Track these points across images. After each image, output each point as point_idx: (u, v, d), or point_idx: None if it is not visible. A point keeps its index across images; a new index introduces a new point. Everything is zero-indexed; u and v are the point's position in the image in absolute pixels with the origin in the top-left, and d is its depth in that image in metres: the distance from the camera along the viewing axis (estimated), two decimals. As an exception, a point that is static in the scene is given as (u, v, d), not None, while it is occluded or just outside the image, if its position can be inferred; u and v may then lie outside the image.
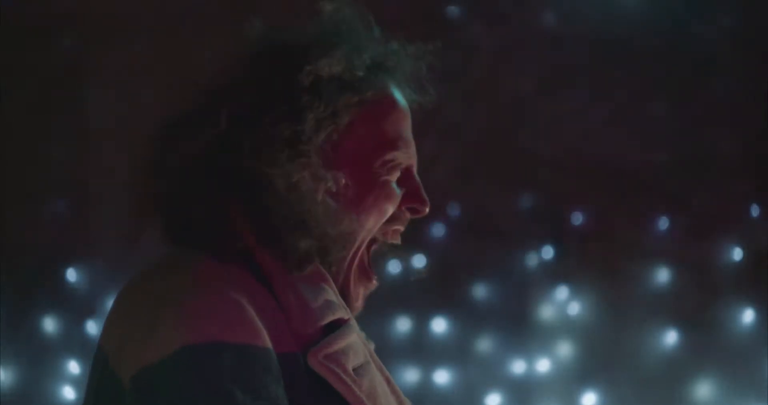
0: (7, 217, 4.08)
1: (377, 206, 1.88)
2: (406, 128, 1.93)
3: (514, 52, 4.23)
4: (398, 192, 1.90)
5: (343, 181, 1.85)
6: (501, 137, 4.22)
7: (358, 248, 1.90)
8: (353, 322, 1.86)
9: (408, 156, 1.92)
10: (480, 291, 4.20)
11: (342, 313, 1.84)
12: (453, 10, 4.22)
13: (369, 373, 1.81)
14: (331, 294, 1.85)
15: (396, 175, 1.91)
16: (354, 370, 1.79)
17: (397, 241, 1.97)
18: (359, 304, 1.94)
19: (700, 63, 4.25)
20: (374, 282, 1.94)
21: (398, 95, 1.94)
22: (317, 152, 1.84)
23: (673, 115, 4.26)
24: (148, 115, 1.94)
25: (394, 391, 1.86)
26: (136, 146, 1.91)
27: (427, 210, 1.93)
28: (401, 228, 1.95)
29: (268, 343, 1.72)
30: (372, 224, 1.89)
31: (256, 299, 1.76)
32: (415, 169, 1.95)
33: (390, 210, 1.90)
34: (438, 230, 4.18)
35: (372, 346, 1.99)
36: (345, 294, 1.91)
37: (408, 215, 1.94)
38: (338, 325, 1.82)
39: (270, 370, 1.71)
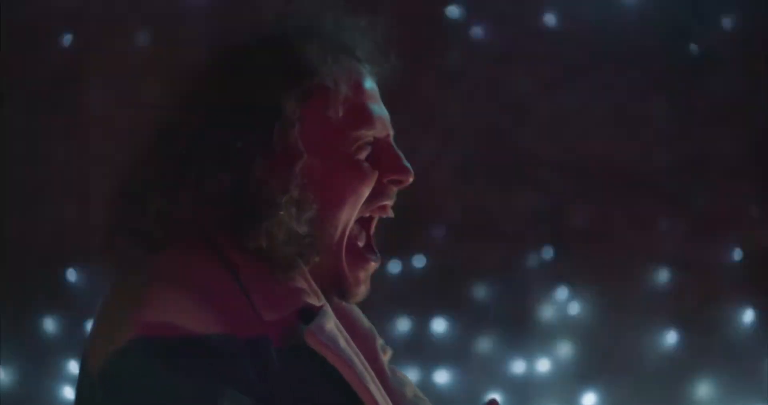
0: (7, 217, 4.08)
1: (350, 189, 1.86)
2: (370, 101, 1.90)
3: (514, 52, 4.23)
4: (371, 170, 1.88)
5: (312, 169, 1.84)
6: (501, 137, 4.22)
7: (342, 233, 1.87)
8: (328, 309, 1.84)
9: (377, 129, 1.90)
10: (480, 291, 4.20)
11: (312, 300, 1.82)
12: (453, 10, 4.22)
13: (352, 357, 1.81)
14: (301, 281, 1.83)
15: (365, 152, 1.89)
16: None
17: (389, 215, 1.93)
18: (362, 288, 1.91)
19: (700, 63, 4.25)
20: (373, 263, 1.91)
21: (355, 71, 1.91)
22: (281, 146, 1.83)
23: (673, 115, 4.26)
24: (148, 115, 1.95)
25: (374, 383, 1.86)
26: (135, 146, 1.92)
27: (411, 178, 1.91)
28: (389, 202, 1.91)
29: (231, 330, 1.72)
30: (349, 208, 1.87)
31: (221, 289, 1.76)
32: (391, 139, 1.92)
33: (366, 189, 1.87)
34: (438, 230, 4.18)
35: (389, 353, 1.99)
36: (342, 281, 1.89)
37: (393, 188, 1.91)
38: (312, 311, 1.81)
39: (231, 354, 1.71)
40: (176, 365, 1.69)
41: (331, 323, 1.81)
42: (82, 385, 1.80)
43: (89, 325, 4.10)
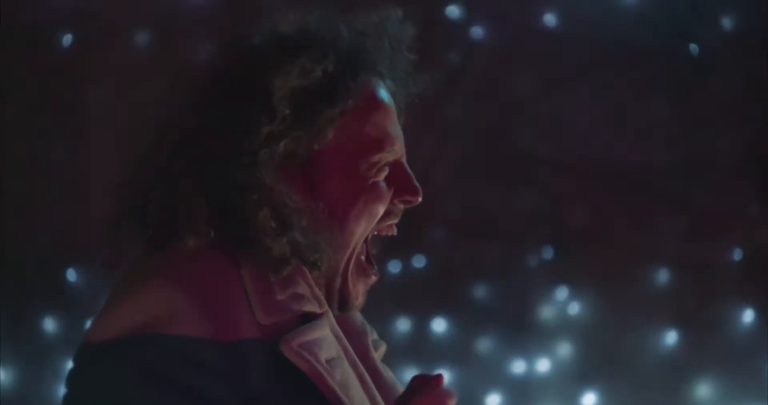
0: (7, 217, 4.08)
1: (367, 210, 1.89)
2: (390, 124, 1.92)
3: (514, 52, 4.23)
4: (387, 191, 1.90)
5: (332, 188, 1.86)
6: (501, 137, 4.22)
7: (353, 251, 1.90)
8: (329, 317, 1.86)
9: (394, 152, 1.91)
10: (480, 291, 4.20)
11: (312, 306, 1.84)
12: (453, 10, 4.22)
13: (341, 366, 1.82)
14: (304, 287, 1.85)
15: (384, 174, 1.91)
16: (327, 361, 1.80)
17: (393, 232, 1.96)
18: (360, 301, 1.94)
19: (700, 63, 4.25)
20: (373, 277, 1.95)
21: (378, 90, 1.92)
22: (301, 165, 1.85)
23: (673, 115, 4.26)
24: (148, 115, 1.95)
25: (368, 392, 1.86)
26: (135, 146, 1.92)
27: (420, 199, 1.93)
28: (396, 221, 1.95)
29: (214, 333, 1.73)
30: (364, 228, 1.90)
31: (222, 287, 1.77)
32: (404, 160, 1.94)
33: (381, 210, 1.90)
34: (438, 230, 4.18)
35: (383, 348, 2.00)
36: (345, 294, 1.92)
37: (401, 207, 1.93)
38: (312, 318, 1.83)
39: (201, 362, 1.72)
40: (131, 365, 1.71)
41: (321, 332, 1.82)
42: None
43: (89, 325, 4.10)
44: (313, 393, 1.77)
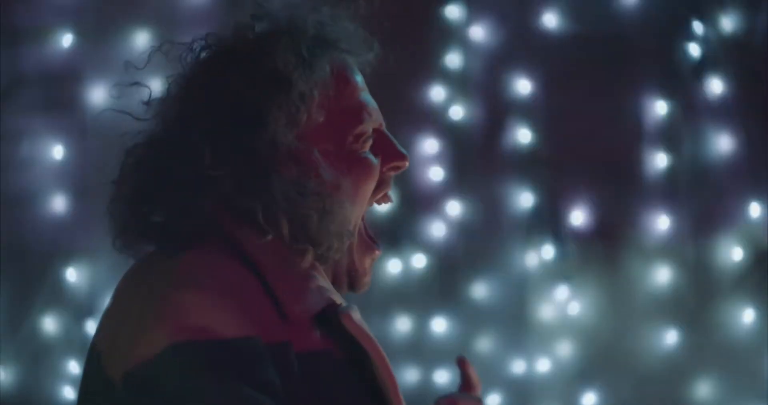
0: (8, 217, 4.08)
1: (363, 185, 1.90)
2: (363, 94, 1.93)
3: (514, 52, 4.23)
4: (376, 162, 1.91)
5: (326, 168, 1.86)
6: (501, 137, 4.22)
7: (355, 227, 1.90)
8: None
9: (373, 121, 1.93)
10: (480, 291, 4.20)
11: (336, 297, 1.86)
12: (453, 10, 4.22)
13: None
14: (321, 279, 1.86)
15: (369, 144, 1.92)
16: None
17: (391, 201, 1.98)
18: (368, 278, 1.95)
19: (700, 63, 4.25)
20: (377, 251, 1.95)
21: (346, 66, 1.94)
22: (293, 149, 1.84)
23: (673, 115, 4.26)
24: (147, 115, 1.95)
25: None
26: (141, 145, 1.92)
27: (407, 163, 1.95)
28: (388, 190, 1.96)
29: (254, 332, 1.73)
30: (362, 202, 1.90)
31: (244, 290, 1.77)
32: (383, 127, 1.95)
33: (374, 182, 1.91)
34: (438, 230, 4.18)
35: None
36: (353, 272, 1.93)
37: (391, 174, 1.95)
38: (328, 312, 1.84)
39: (261, 357, 1.72)
40: (215, 369, 1.69)
41: (359, 314, 1.84)
42: (95, 388, 1.78)
43: (89, 325, 4.11)
44: (346, 391, 1.78)
